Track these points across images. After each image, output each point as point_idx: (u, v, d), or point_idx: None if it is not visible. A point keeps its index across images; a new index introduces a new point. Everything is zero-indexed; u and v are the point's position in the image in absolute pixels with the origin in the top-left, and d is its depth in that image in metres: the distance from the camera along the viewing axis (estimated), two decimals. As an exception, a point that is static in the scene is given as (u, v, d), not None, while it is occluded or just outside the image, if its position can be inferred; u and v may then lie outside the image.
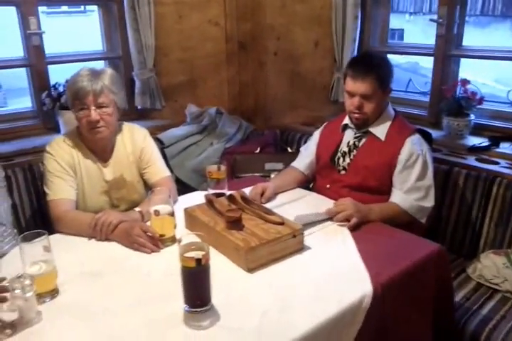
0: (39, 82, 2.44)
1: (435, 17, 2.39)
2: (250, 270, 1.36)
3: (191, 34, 2.71)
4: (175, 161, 2.51)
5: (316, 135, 2.06)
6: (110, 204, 1.82)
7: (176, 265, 1.18)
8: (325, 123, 2.08)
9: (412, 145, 1.77)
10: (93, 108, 1.64)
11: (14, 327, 1.12)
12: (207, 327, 1.13)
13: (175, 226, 1.55)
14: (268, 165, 2.44)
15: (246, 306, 1.21)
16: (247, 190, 1.79)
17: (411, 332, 1.43)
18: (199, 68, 2.79)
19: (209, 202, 1.64)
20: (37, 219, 2.10)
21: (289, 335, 1.10)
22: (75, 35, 7.27)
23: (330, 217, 1.65)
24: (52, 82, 2.46)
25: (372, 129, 1.84)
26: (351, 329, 1.25)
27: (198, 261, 1.12)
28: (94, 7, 2.75)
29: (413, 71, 8.00)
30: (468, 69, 2.60)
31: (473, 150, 2.17)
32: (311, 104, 2.86)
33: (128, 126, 1.87)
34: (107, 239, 1.54)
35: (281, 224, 1.48)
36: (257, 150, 2.58)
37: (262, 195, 1.80)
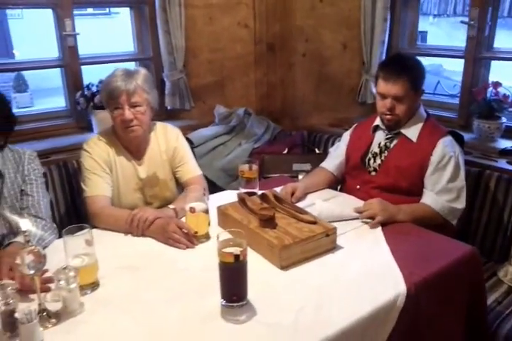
0: (73, 82, 2.51)
1: (460, 19, 2.38)
2: (283, 267, 1.38)
3: (221, 36, 2.75)
4: (203, 161, 2.54)
5: (346, 136, 2.07)
6: (144, 201, 1.86)
7: (211, 261, 1.21)
8: (355, 125, 2.09)
9: (444, 147, 1.77)
10: (127, 107, 1.68)
11: (58, 316, 1.17)
12: (244, 321, 1.15)
13: (209, 224, 1.58)
14: (296, 166, 2.46)
15: (281, 302, 1.23)
16: (276, 190, 1.81)
17: (443, 335, 1.43)
18: (228, 69, 2.83)
19: (241, 200, 1.67)
20: (71, 215, 2.16)
21: (325, 332, 1.11)
22: (101, 37, 7.40)
23: (356, 215, 1.67)
24: (84, 82, 2.53)
25: (404, 131, 1.85)
26: (385, 328, 1.25)
27: (237, 256, 1.15)
28: (119, 9, 2.81)
29: (436, 73, 7.91)
30: (496, 72, 2.58)
31: (505, 153, 2.16)
32: (339, 105, 2.87)
33: (161, 126, 1.91)
34: (143, 235, 1.58)
35: (314, 223, 1.50)
36: (285, 151, 2.60)
37: (292, 194, 1.82)
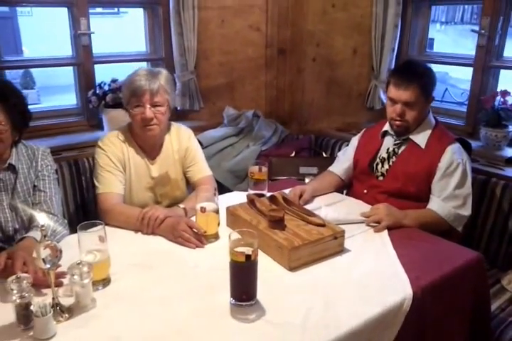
0: (85, 80, 2.54)
1: (467, 27, 2.42)
2: (292, 269, 1.40)
3: (232, 38, 2.78)
4: (211, 162, 2.56)
5: (355, 140, 2.09)
6: (154, 200, 1.88)
7: (221, 260, 1.23)
8: (364, 129, 2.11)
9: (452, 154, 1.79)
10: (148, 106, 1.71)
11: (71, 311, 1.18)
12: (253, 320, 1.17)
13: (218, 224, 1.60)
14: (302, 169, 2.48)
15: (290, 303, 1.25)
16: (285, 192, 1.82)
17: (448, 339, 1.44)
18: (238, 72, 2.86)
19: (251, 201, 1.69)
20: (79, 212, 2.18)
21: (333, 332, 1.13)
22: (111, 36, 7.44)
23: (362, 219, 1.69)
24: (96, 81, 2.55)
25: (412, 137, 1.87)
26: (391, 330, 1.27)
27: (248, 256, 1.17)
28: (128, 9, 2.83)
29: (442, 81, 7.92)
30: (504, 81, 2.60)
31: (511, 161, 2.17)
32: (347, 110, 2.89)
33: (175, 126, 1.94)
34: (153, 233, 1.60)
35: (323, 225, 1.52)
36: (292, 154, 2.62)
37: (300, 197, 1.84)
